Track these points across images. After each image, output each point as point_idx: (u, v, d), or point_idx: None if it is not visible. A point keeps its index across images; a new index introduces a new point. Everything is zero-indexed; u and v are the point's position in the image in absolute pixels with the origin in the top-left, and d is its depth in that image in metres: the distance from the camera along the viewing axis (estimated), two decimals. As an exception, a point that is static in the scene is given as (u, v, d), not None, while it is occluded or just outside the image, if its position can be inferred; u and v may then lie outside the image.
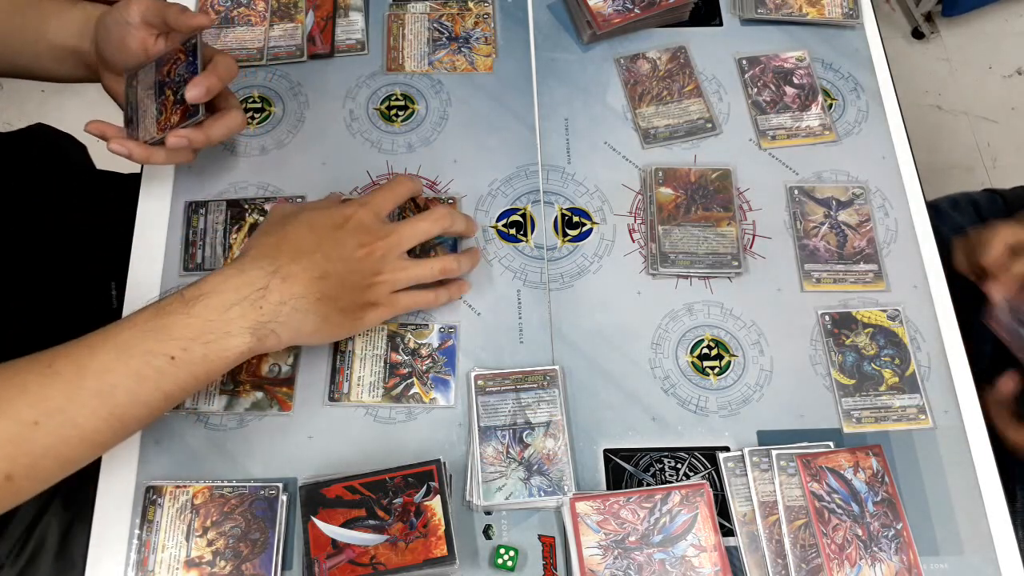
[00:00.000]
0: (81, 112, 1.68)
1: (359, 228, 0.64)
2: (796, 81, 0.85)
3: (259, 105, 0.83)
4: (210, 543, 0.63)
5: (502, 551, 0.64)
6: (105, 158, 1.03)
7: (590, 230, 0.78)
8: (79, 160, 0.98)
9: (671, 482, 0.68)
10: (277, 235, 0.63)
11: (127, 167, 0.96)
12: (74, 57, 0.73)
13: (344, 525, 0.63)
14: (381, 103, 0.83)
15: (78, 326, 0.60)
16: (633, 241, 0.78)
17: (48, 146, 0.95)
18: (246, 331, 0.58)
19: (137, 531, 0.64)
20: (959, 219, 0.96)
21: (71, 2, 0.73)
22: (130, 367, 0.56)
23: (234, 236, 0.76)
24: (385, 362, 0.71)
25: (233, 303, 0.58)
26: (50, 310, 0.81)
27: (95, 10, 0.72)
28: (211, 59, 0.69)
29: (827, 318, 0.74)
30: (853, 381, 0.72)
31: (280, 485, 0.65)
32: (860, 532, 0.65)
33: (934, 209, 0.96)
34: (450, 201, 0.78)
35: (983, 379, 0.75)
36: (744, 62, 0.87)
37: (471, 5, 0.88)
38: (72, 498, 0.75)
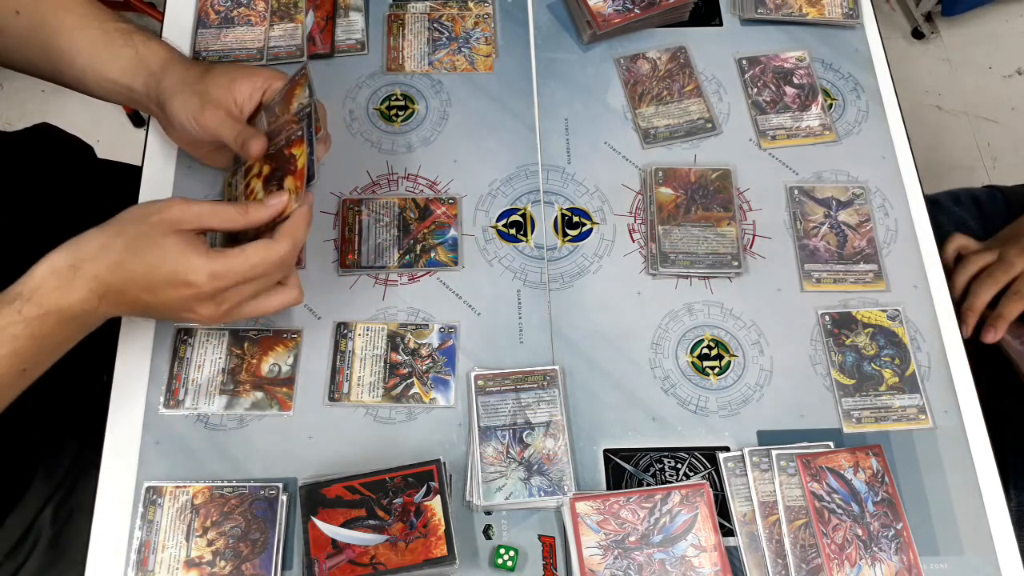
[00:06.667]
0: (83, 112, 1.68)
1: (193, 300, 0.61)
2: (796, 81, 0.85)
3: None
4: (210, 543, 0.63)
5: (502, 551, 0.64)
6: (108, 152, 1.03)
7: (590, 230, 0.78)
8: (84, 160, 0.97)
9: (671, 482, 0.68)
10: (117, 257, 0.59)
11: (129, 158, 0.96)
12: (123, 93, 0.72)
13: (344, 525, 0.63)
14: (381, 103, 0.83)
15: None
16: (633, 241, 0.78)
17: (53, 146, 0.95)
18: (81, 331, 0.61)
19: (137, 531, 0.64)
20: (961, 213, 0.96)
21: (124, 37, 0.71)
22: None
23: (234, 236, 0.76)
24: (385, 362, 0.71)
25: (68, 317, 0.59)
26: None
27: (147, 51, 0.71)
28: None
29: (827, 318, 0.74)
30: (853, 381, 0.72)
31: (280, 485, 0.65)
32: (860, 532, 0.65)
33: (934, 203, 0.96)
34: (450, 201, 0.78)
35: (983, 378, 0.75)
36: (744, 62, 0.87)
37: (471, 5, 0.88)
38: (67, 495, 0.76)
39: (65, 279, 0.58)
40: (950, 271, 0.83)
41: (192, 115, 0.68)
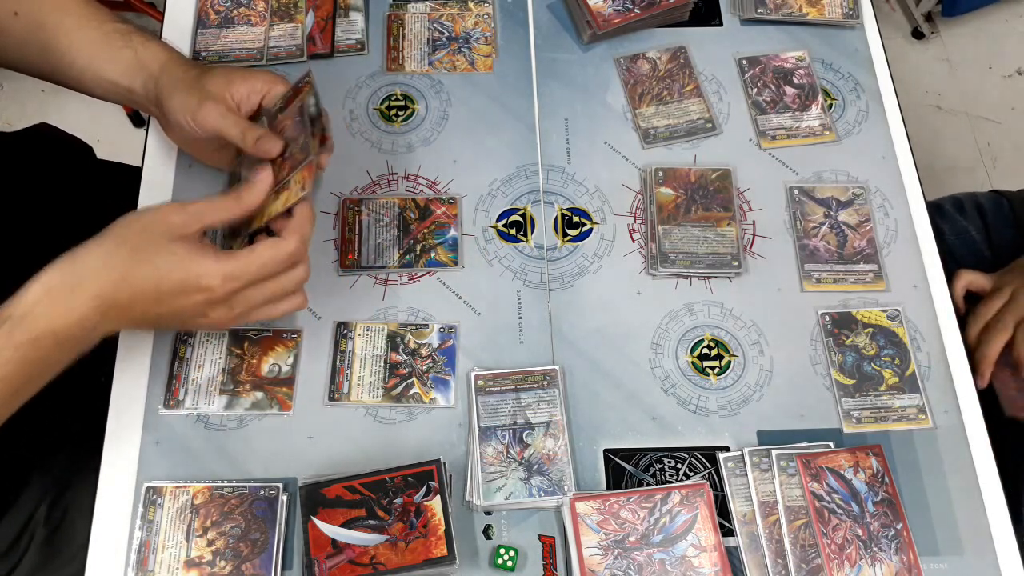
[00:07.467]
0: (83, 112, 1.68)
1: (206, 305, 0.61)
2: (796, 81, 0.85)
3: (259, 105, 0.82)
4: (210, 543, 0.63)
5: (502, 551, 0.64)
6: (108, 152, 1.03)
7: (590, 230, 0.78)
8: (83, 161, 0.97)
9: (671, 482, 0.68)
10: (121, 271, 0.58)
11: (129, 158, 0.96)
12: (122, 94, 0.72)
13: (344, 525, 0.63)
14: (381, 103, 0.83)
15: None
16: (633, 241, 0.78)
17: (52, 146, 0.95)
18: (77, 351, 0.59)
19: (137, 531, 0.64)
20: (963, 223, 0.95)
21: (123, 38, 0.71)
22: None
23: (234, 236, 0.76)
24: (385, 362, 0.71)
25: (64, 339, 0.57)
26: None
27: (146, 52, 0.70)
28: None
29: (827, 318, 0.74)
30: (853, 381, 0.72)
31: (280, 485, 0.65)
32: (860, 532, 0.65)
33: (937, 209, 0.96)
34: (450, 201, 0.78)
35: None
36: (744, 62, 0.87)
37: (471, 5, 0.88)
38: (60, 494, 0.76)
39: (61, 300, 0.56)
40: (959, 307, 0.81)
41: (190, 113, 0.67)
